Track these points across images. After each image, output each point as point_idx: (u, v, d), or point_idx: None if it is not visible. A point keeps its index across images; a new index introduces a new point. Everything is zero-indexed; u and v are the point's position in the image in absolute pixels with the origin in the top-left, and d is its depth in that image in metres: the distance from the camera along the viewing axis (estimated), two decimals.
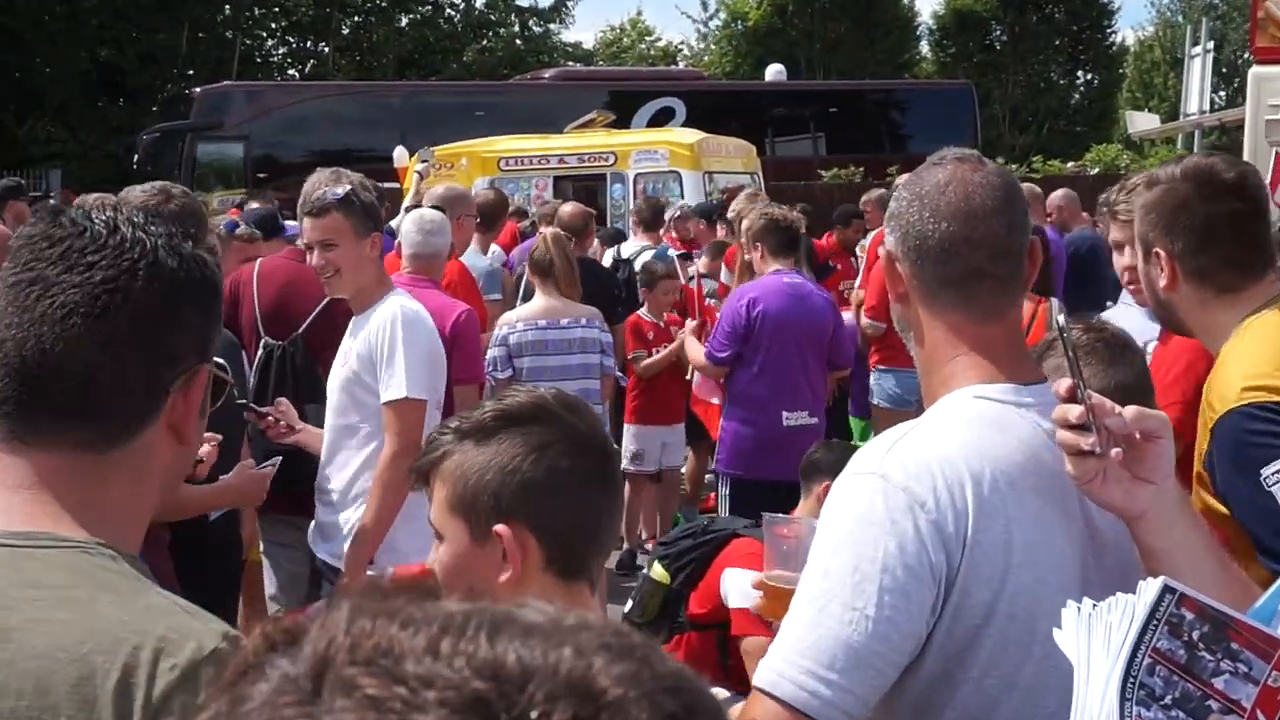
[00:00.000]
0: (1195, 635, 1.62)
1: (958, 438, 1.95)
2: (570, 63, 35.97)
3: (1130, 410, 1.82)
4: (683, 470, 8.55)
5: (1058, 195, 10.86)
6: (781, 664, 1.86)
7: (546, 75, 27.09)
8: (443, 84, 29.03)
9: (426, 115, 20.56)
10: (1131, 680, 1.60)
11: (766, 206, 7.31)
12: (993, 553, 1.90)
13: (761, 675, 1.87)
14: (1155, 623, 1.62)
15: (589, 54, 40.94)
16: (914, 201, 2.05)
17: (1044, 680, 1.87)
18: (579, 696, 0.60)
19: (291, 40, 35.47)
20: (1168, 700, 1.59)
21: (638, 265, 9.07)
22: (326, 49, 34.78)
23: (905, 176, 2.18)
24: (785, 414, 6.18)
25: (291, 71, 34.40)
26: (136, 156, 21.37)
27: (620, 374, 7.35)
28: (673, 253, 9.66)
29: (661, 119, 21.99)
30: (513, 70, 33.07)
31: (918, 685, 1.91)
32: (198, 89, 23.79)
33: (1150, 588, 1.62)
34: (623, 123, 19.94)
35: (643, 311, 8.15)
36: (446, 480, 1.87)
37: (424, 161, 10.80)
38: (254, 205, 8.14)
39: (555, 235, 6.71)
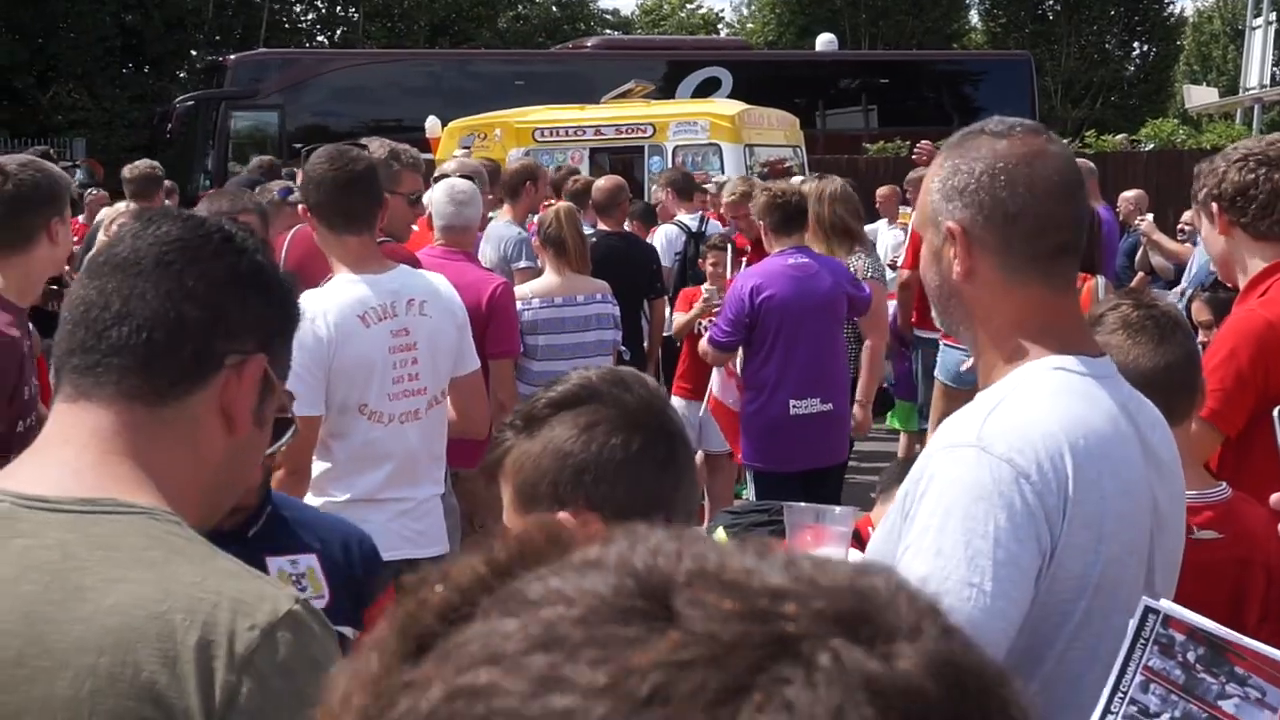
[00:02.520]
0: (1191, 657, 1.64)
1: (1051, 408, 1.98)
2: (609, 30, 35.88)
3: None
4: None
5: None
6: None
7: (589, 44, 26.89)
8: (482, 52, 28.93)
9: (465, 84, 20.51)
10: (1121, 695, 1.63)
11: (769, 183, 7.30)
12: (1089, 524, 1.93)
13: None
14: (1144, 642, 1.65)
15: (627, 22, 40.87)
16: (995, 176, 2.04)
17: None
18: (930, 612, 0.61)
19: (320, 6, 35.56)
20: (1165, 718, 1.62)
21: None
22: (356, 15, 34.85)
23: (950, 150, 2.14)
24: (793, 403, 6.12)
25: (320, 38, 34.52)
26: (170, 125, 21.41)
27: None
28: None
29: (706, 90, 21.85)
30: (549, 38, 33.08)
31: (1009, 657, 1.92)
32: (232, 56, 23.76)
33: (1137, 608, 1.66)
34: (667, 93, 19.87)
35: (706, 285, 8.14)
36: (509, 478, 1.87)
37: (465, 146, 10.85)
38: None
39: (567, 209, 6.70)
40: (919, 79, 25.80)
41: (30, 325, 4.31)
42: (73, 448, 1.54)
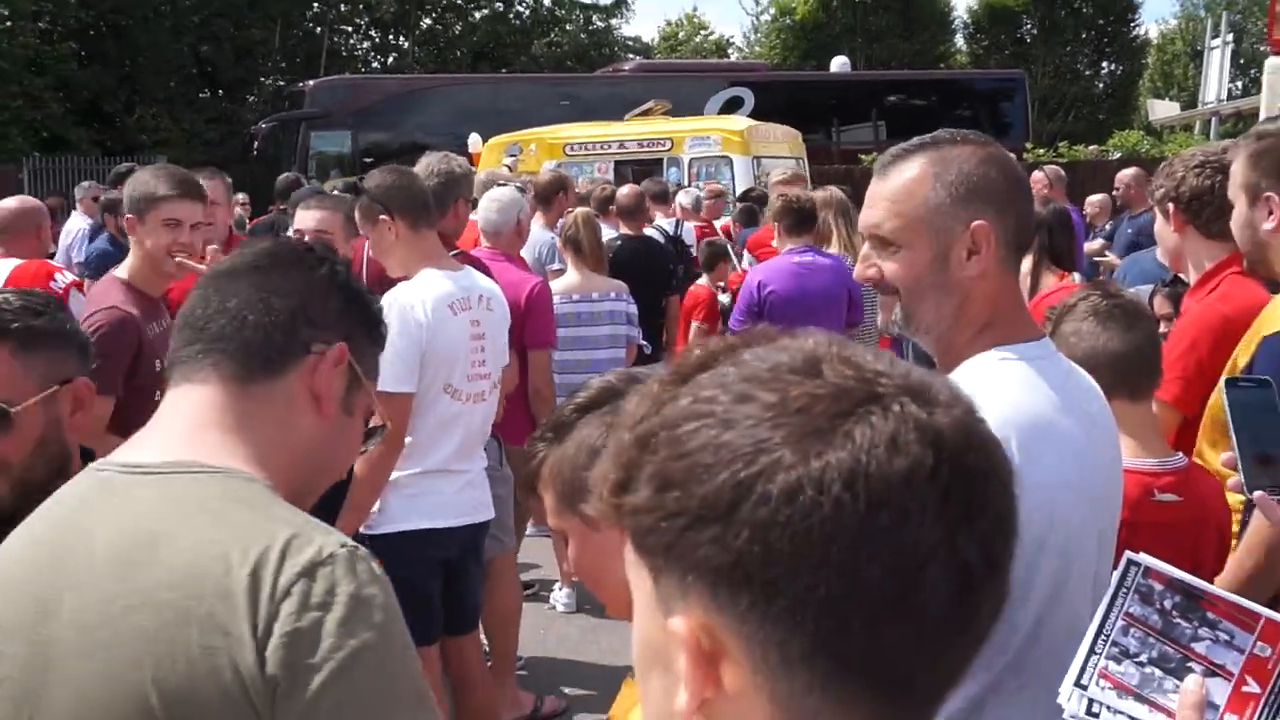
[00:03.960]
0: (1168, 604, 1.66)
1: (997, 398, 1.93)
2: (632, 55, 35.83)
3: None
4: None
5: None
6: None
7: (626, 68, 26.81)
8: (531, 75, 28.78)
9: (515, 104, 20.41)
10: (1104, 637, 1.65)
11: (785, 187, 7.33)
12: (1038, 493, 1.86)
13: None
14: (1125, 590, 1.67)
15: (648, 47, 40.83)
16: (991, 177, 2.00)
17: (1083, 593, 1.91)
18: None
19: (374, 35, 35.64)
20: (1143, 659, 1.63)
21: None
22: (406, 43, 34.91)
23: (930, 160, 2.02)
24: None
25: (374, 64, 34.56)
26: (255, 143, 21.44)
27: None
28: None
29: (731, 108, 21.80)
30: (578, 63, 33.07)
31: None
32: (310, 82, 23.76)
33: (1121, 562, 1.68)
34: (696, 111, 19.80)
35: (704, 281, 8.21)
36: (547, 484, 1.82)
37: (511, 157, 10.91)
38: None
39: (585, 214, 6.72)
40: (923, 96, 25.51)
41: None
42: (172, 422, 1.58)
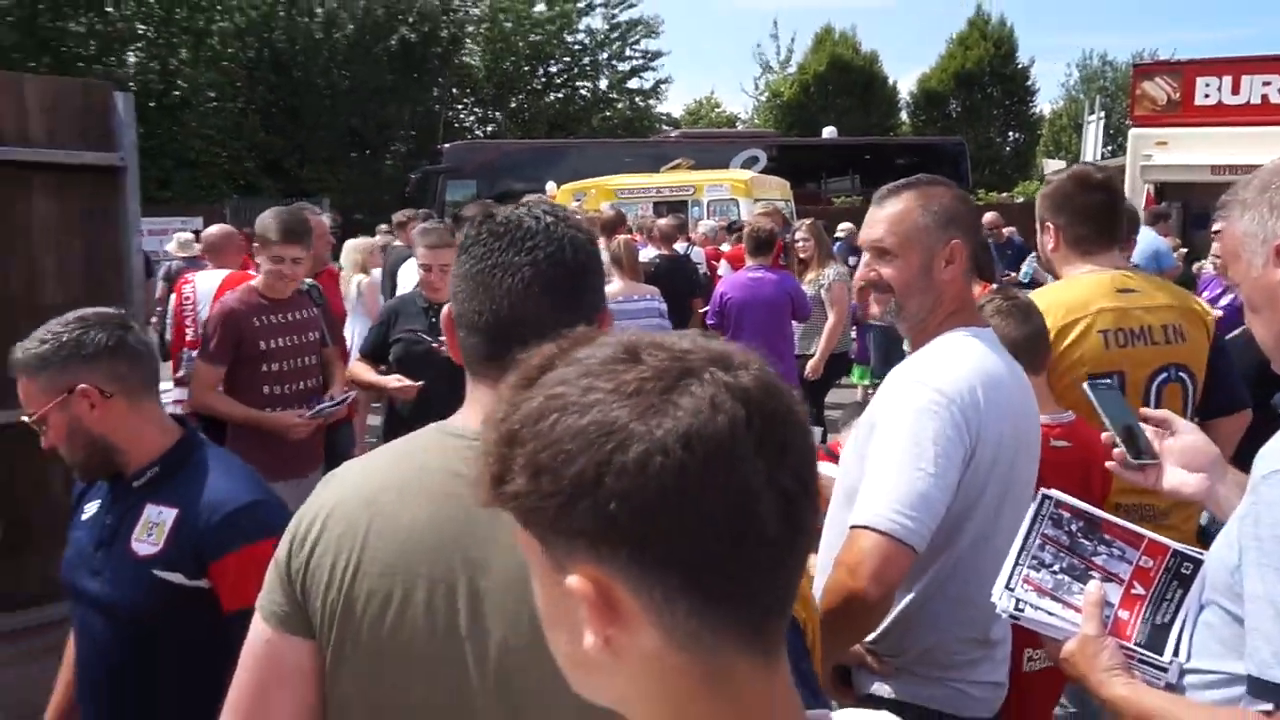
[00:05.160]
0: (1074, 528, 1.66)
1: (966, 360, 1.98)
2: (665, 127, 35.67)
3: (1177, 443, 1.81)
4: None
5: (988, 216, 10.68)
6: (877, 508, 1.84)
7: (672, 135, 26.61)
8: (605, 140, 28.54)
9: (591, 162, 20.27)
10: (1024, 551, 1.66)
11: (754, 220, 7.45)
12: (992, 432, 1.94)
13: (861, 516, 1.86)
14: (1040, 517, 1.67)
15: (676, 121, 40.61)
16: (959, 209, 2.06)
17: (1015, 517, 1.89)
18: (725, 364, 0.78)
19: (477, 111, 35.65)
20: (1056, 568, 1.64)
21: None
22: (500, 115, 34.91)
23: (915, 195, 2.08)
24: None
25: (478, 132, 34.54)
26: (408, 190, 21.45)
27: None
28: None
29: (749, 164, 21.64)
30: (626, 132, 32.91)
31: (949, 518, 1.91)
32: (447, 145, 23.69)
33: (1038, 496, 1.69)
34: (723, 165, 19.72)
35: None
36: None
37: (577, 200, 10.92)
38: None
39: (625, 240, 6.83)
40: (886, 156, 25.19)
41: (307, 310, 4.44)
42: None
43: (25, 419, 2.13)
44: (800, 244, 7.28)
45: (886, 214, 2.08)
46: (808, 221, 7.50)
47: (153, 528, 2.10)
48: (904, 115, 40.88)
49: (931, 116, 38.94)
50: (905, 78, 54.61)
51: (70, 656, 2.32)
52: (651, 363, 0.76)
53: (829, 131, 26.82)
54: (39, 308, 3.94)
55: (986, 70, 38.73)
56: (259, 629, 1.31)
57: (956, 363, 1.97)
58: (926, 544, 1.85)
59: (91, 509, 2.23)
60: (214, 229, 6.02)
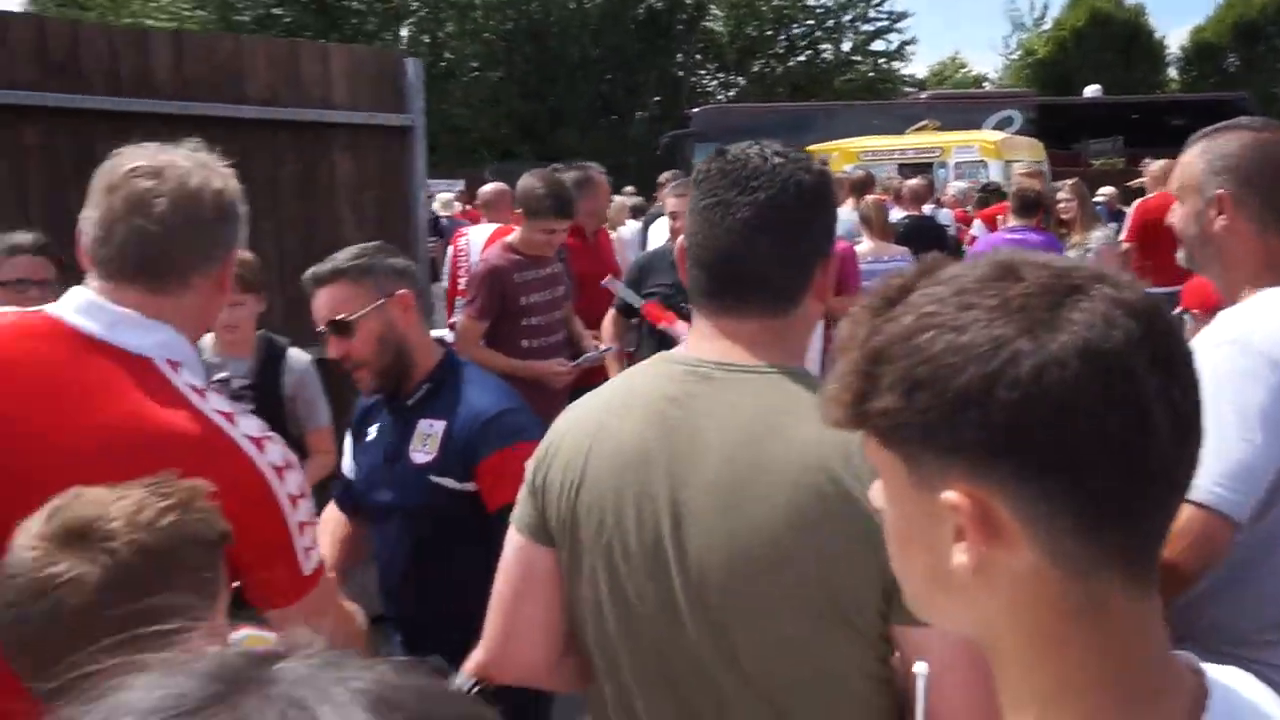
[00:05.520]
0: None
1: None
2: (910, 90, 34.43)
3: None
4: None
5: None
6: (1196, 479, 1.67)
7: (923, 96, 25.55)
8: (852, 103, 27.70)
9: (838, 125, 19.82)
10: None
11: (1022, 180, 7.08)
12: None
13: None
14: None
15: (921, 83, 39.10)
16: (1250, 157, 1.87)
17: None
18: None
19: (721, 76, 35.69)
20: None
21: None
22: (742, 79, 34.82)
23: (1208, 140, 1.90)
24: None
25: (720, 96, 34.61)
26: (659, 152, 21.77)
27: None
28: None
29: (1002, 125, 20.49)
30: (868, 95, 32.05)
31: (1269, 493, 1.75)
32: (695, 110, 23.78)
33: None
34: (974, 126, 18.74)
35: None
36: None
37: (823, 163, 10.79)
38: None
39: (875, 201, 6.70)
40: (1159, 114, 22.89)
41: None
42: (733, 340, 1.38)
43: (335, 320, 2.29)
44: (1062, 205, 6.91)
45: (1182, 159, 1.97)
46: (1070, 181, 7.11)
47: (426, 439, 2.31)
48: (1171, 72, 37.55)
49: (1204, 72, 35.48)
50: (1174, 33, 49.80)
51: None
52: (1034, 279, 0.73)
53: (1092, 90, 24.81)
54: None
55: (1272, 19, 34.91)
56: (513, 537, 1.46)
57: (1274, 320, 1.80)
58: (1248, 517, 1.70)
59: (372, 433, 2.47)
60: (489, 187, 6.51)
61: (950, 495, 0.72)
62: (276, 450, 1.50)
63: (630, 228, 8.73)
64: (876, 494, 0.83)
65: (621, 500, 1.34)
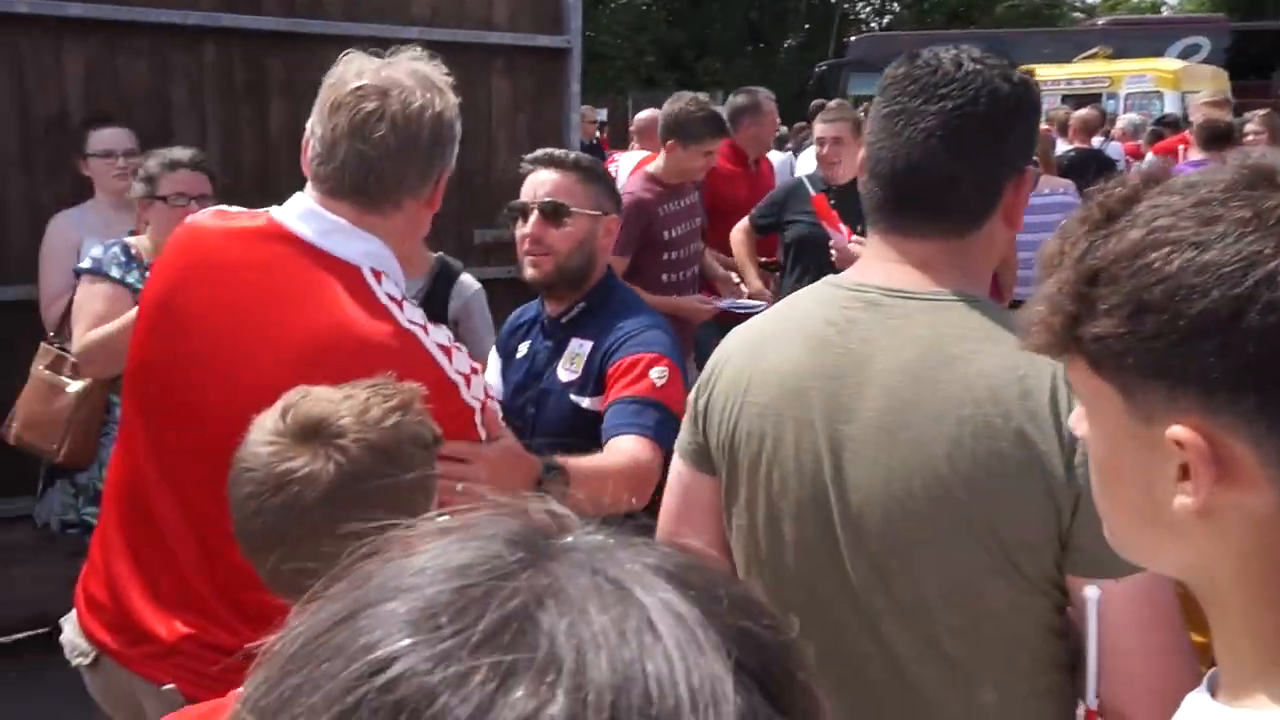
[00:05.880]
0: None
1: None
2: (1078, 14, 32.47)
3: None
4: None
5: None
6: None
7: (1099, 23, 23.94)
8: (1024, 30, 26.25)
9: (1007, 51, 18.71)
10: None
11: (1209, 110, 6.54)
12: None
13: None
14: None
15: (1091, 7, 36.81)
16: None
17: None
18: None
19: (874, 3, 34.46)
20: None
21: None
22: (897, 6, 33.51)
23: None
24: None
25: (873, 24, 33.43)
26: (811, 83, 21.23)
27: None
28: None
29: (1187, 54, 18.99)
30: (1032, 21, 30.38)
31: None
32: (852, 38, 23.08)
33: None
34: (1155, 55, 17.50)
35: None
36: None
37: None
38: None
39: (1041, 130, 6.33)
40: None
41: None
42: (905, 263, 1.29)
43: (553, 201, 2.29)
44: (1251, 138, 6.41)
45: None
46: (1262, 113, 6.57)
47: (574, 358, 2.30)
48: None
49: None
50: None
51: None
52: None
53: None
54: (493, 181, 4.44)
55: None
56: (677, 465, 1.45)
57: None
58: None
59: (522, 349, 2.47)
60: (644, 114, 6.50)
61: (1178, 430, 0.66)
62: (462, 359, 1.56)
63: (775, 158, 8.56)
64: (1078, 421, 0.77)
65: (781, 428, 1.29)
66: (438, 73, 1.62)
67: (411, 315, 1.56)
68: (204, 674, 1.49)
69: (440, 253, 3.45)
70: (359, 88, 1.55)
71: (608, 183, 2.36)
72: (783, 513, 1.30)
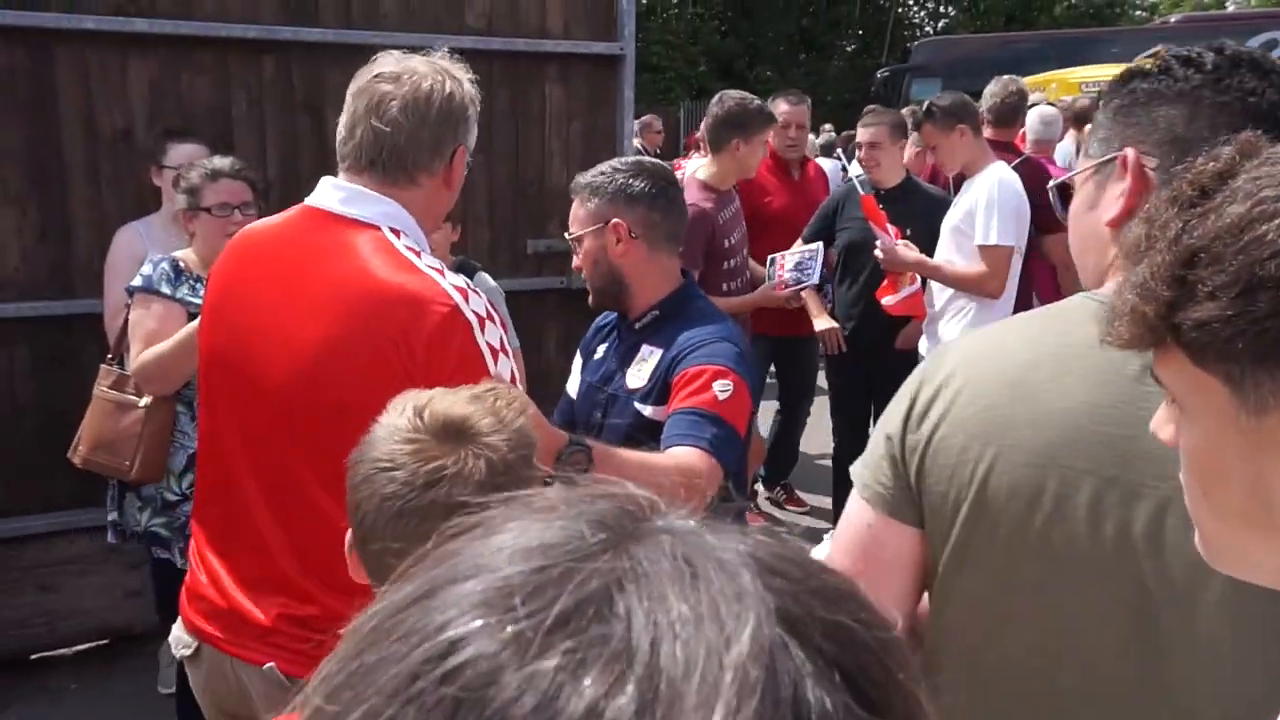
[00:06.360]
0: None
1: None
2: (1140, 11, 31.80)
3: None
4: None
5: None
6: None
7: (1172, 20, 23.43)
8: (1087, 30, 25.90)
9: (1071, 53, 18.49)
10: None
11: None
12: None
13: None
14: None
15: (1154, 5, 36.07)
16: None
17: None
18: None
19: (929, 6, 34.11)
20: None
21: None
22: (953, 10, 33.13)
23: None
24: None
25: (928, 28, 33.09)
26: (874, 88, 21.06)
27: None
28: None
29: (1267, 49, 18.35)
30: (1093, 21, 29.85)
31: None
32: (915, 42, 22.86)
33: None
34: None
35: None
36: None
37: (1039, 91, 10.18)
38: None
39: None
40: None
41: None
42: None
43: (567, 235, 2.41)
44: None
45: None
46: None
47: (642, 364, 2.31)
48: None
49: None
50: None
51: None
52: None
53: None
54: (547, 189, 4.44)
55: None
56: (860, 509, 1.17)
57: None
58: None
59: (600, 351, 2.49)
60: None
61: None
62: (479, 301, 1.66)
63: (825, 164, 8.50)
64: (1161, 425, 0.72)
65: (1070, 484, 1.03)
66: (458, 67, 1.76)
67: (430, 262, 1.67)
68: (300, 652, 1.60)
69: (463, 255, 3.52)
70: (377, 75, 1.72)
71: (615, 187, 2.32)
72: (1063, 580, 1.05)
